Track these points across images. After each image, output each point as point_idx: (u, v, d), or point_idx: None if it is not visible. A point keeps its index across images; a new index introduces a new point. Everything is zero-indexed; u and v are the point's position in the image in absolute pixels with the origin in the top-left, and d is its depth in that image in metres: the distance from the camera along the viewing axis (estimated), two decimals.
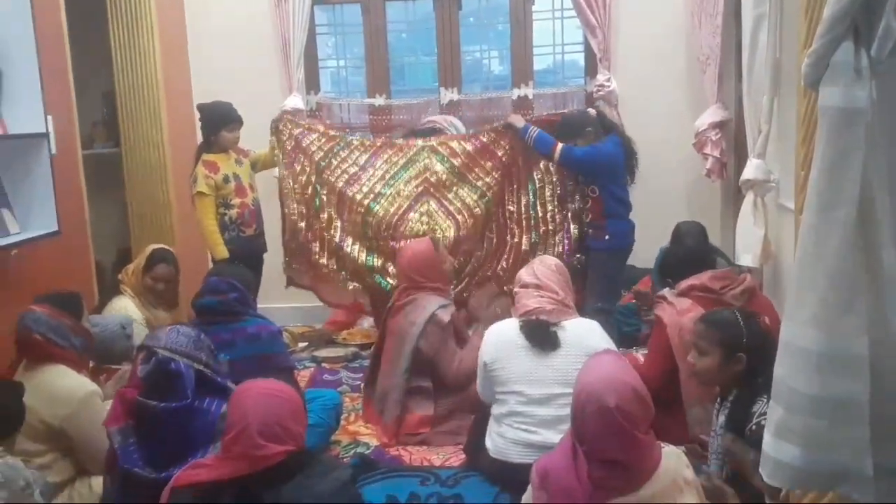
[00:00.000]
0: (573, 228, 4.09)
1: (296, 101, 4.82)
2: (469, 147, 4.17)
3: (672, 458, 1.98)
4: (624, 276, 4.12)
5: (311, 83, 5.15)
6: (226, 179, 4.12)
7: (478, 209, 4.16)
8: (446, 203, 4.19)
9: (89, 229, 3.87)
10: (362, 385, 3.80)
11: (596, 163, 3.86)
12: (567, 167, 3.99)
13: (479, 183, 4.16)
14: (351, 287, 4.29)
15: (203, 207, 4.09)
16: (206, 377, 2.38)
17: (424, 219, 4.17)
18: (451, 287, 3.86)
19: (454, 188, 4.17)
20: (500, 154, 4.13)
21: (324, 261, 4.27)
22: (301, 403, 2.13)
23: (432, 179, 4.18)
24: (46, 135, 3.19)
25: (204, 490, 1.94)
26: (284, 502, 1.90)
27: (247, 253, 4.19)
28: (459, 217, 4.16)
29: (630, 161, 3.93)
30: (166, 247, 3.93)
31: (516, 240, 4.18)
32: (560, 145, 3.85)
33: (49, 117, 3.25)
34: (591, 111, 4.05)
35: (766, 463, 1.34)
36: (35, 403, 2.45)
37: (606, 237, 3.88)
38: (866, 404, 1.24)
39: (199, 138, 4.34)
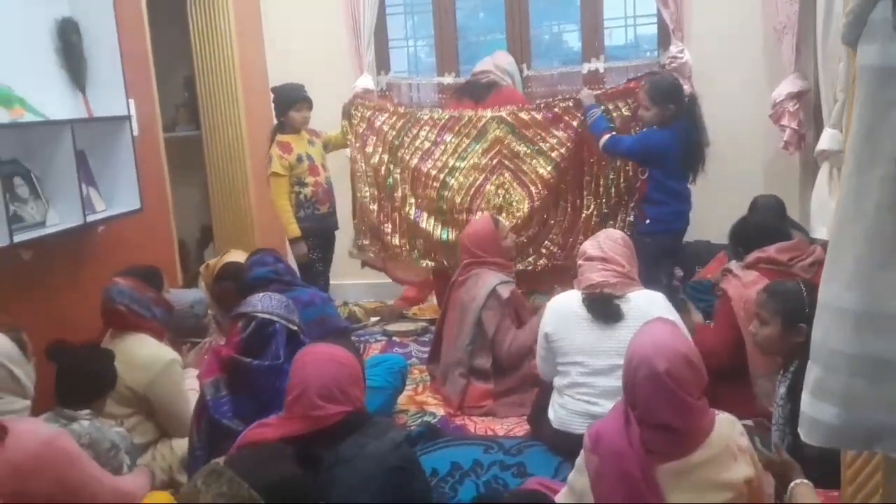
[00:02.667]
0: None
1: (366, 81, 4.93)
2: (540, 117, 4.15)
3: (725, 424, 1.99)
4: (670, 263, 3.99)
5: (382, 63, 5.25)
6: (299, 159, 4.26)
7: (552, 180, 4.14)
8: (521, 174, 4.19)
9: (172, 208, 4.08)
10: (426, 360, 3.90)
11: (643, 151, 3.81)
12: (612, 156, 3.99)
13: (554, 154, 4.13)
14: (423, 264, 4.37)
15: (277, 187, 4.24)
16: (297, 338, 2.54)
17: (500, 191, 4.19)
18: (519, 259, 3.92)
19: (528, 159, 4.16)
20: (574, 124, 4.10)
21: (396, 241, 4.36)
22: (359, 367, 2.23)
23: (505, 151, 4.19)
24: (129, 117, 3.38)
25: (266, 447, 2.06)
26: (341, 459, 2.00)
27: (321, 230, 4.34)
28: (533, 188, 4.16)
29: (691, 156, 3.79)
30: (238, 260, 3.66)
31: (588, 211, 4.18)
32: (608, 136, 3.83)
33: (131, 101, 3.44)
34: (687, 88, 3.82)
35: (804, 422, 1.35)
36: (121, 370, 2.60)
37: (647, 221, 3.84)
38: None
39: (275, 120, 4.50)
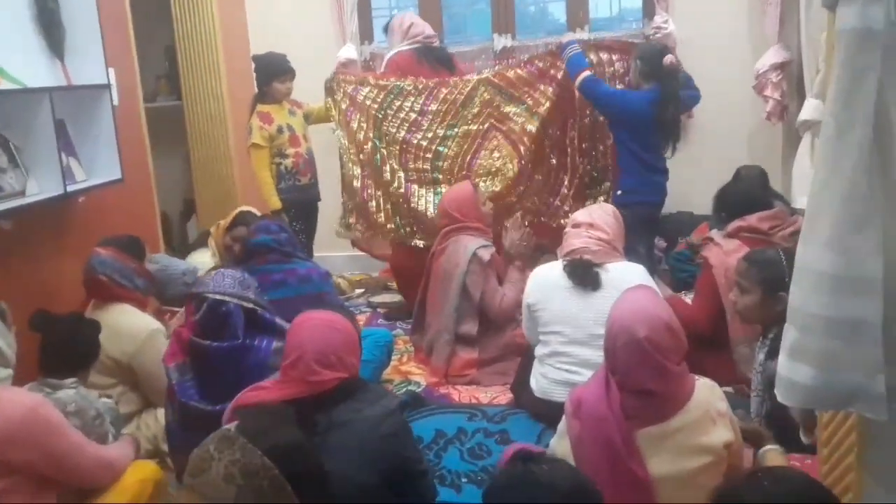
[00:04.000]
0: None
1: (349, 51, 4.89)
2: (524, 73, 4.07)
3: (705, 389, 2.01)
4: (648, 234, 3.91)
5: (365, 33, 5.21)
6: (280, 130, 4.23)
7: (536, 133, 4.04)
8: (511, 135, 4.10)
9: (153, 179, 4.04)
10: (409, 330, 3.91)
11: (616, 107, 3.75)
12: (587, 99, 3.88)
13: (540, 109, 4.04)
14: (413, 243, 4.23)
15: (258, 159, 4.21)
16: (256, 315, 2.51)
17: (496, 154, 4.12)
18: (506, 217, 3.91)
19: (517, 118, 4.08)
20: (559, 76, 4.01)
21: (381, 219, 4.23)
22: (355, 335, 2.24)
23: (495, 114, 4.11)
24: (108, 86, 3.34)
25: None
26: (335, 424, 2.02)
27: (302, 201, 4.33)
28: (522, 147, 4.07)
29: (666, 126, 3.71)
30: (253, 210, 3.94)
31: (575, 171, 4.13)
32: (586, 73, 3.75)
33: (111, 70, 3.40)
34: (669, 58, 3.70)
35: (781, 383, 1.37)
36: (104, 340, 2.59)
37: (619, 192, 3.79)
38: (879, 325, 1.26)
39: (256, 90, 4.46)
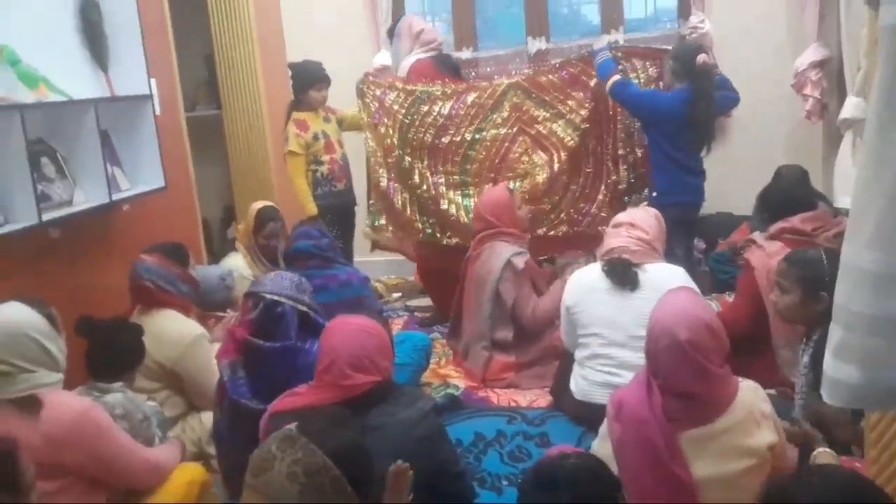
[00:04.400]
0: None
1: (384, 57, 4.93)
2: (556, 79, 4.06)
3: (749, 391, 1.99)
4: (685, 235, 3.86)
5: None
6: (315, 137, 4.26)
7: (571, 142, 4.03)
8: (541, 139, 4.10)
9: (195, 186, 4.11)
10: (446, 335, 3.92)
11: (647, 108, 3.74)
12: (618, 103, 3.89)
13: (573, 116, 4.03)
14: (444, 242, 4.25)
15: (295, 166, 4.25)
16: (309, 318, 2.55)
17: (525, 158, 4.11)
18: (541, 223, 3.94)
19: (548, 123, 4.07)
20: (591, 84, 3.99)
21: (411, 218, 4.25)
22: (387, 338, 2.26)
23: (525, 118, 4.10)
24: (150, 96, 3.41)
25: (298, 415, 2.09)
26: (370, 428, 2.04)
27: (339, 207, 4.37)
28: (555, 152, 4.06)
29: (699, 126, 3.67)
30: (270, 203, 4.03)
31: (613, 178, 4.10)
32: (616, 77, 3.75)
33: (153, 80, 3.47)
34: (702, 57, 3.67)
35: (826, 383, 1.36)
36: (149, 345, 2.64)
37: (654, 194, 3.78)
38: None
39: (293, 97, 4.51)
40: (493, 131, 4.13)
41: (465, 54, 5.14)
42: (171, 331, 2.87)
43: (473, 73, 5.11)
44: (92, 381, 2.38)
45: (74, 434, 2.02)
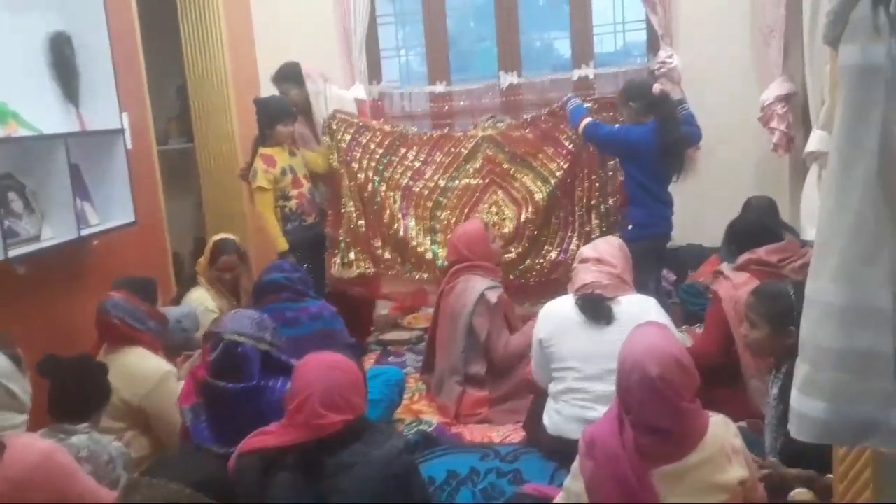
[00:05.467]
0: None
1: (358, 91, 4.93)
2: (530, 135, 4.20)
3: (719, 425, 2.00)
4: (657, 267, 3.92)
5: (374, 73, 5.27)
6: (283, 172, 4.21)
7: (539, 195, 4.18)
8: (512, 191, 4.25)
9: (166, 221, 4.09)
10: (420, 370, 3.90)
11: (621, 143, 3.81)
12: (591, 143, 3.98)
13: (543, 170, 4.19)
14: (417, 277, 4.36)
15: (263, 201, 4.19)
16: (272, 357, 2.51)
17: (494, 209, 4.26)
18: (511, 273, 3.98)
19: (519, 176, 4.23)
20: (562, 139, 4.14)
21: (387, 254, 4.35)
22: (360, 375, 2.25)
23: (497, 170, 4.25)
24: (122, 130, 3.39)
25: (268, 455, 2.07)
26: (343, 467, 2.01)
27: (310, 240, 4.32)
28: (523, 205, 4.21)
29: (671, 153, 3.72)
30: (228, 236, 3.97)
31: (587, 229, 4.18)
32: (587, 120, 3.85)
33: (124, 114, 3.45)
34: (657, 87, 3.83)
35: (794, 419, 1.36)
36: (116, 383, 2.60)
37: (630, 227, 3.82)
38: (892, 357, 1.25)
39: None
40: (466, 181, 4.28)
41: (439, 88, 5.18)
42: (139, 368, 2.83)
43: (447, 107, 5.15)
44: (56, 423, 2.33)
45: (38, 477, 1.96)
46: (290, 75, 4.50)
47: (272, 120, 4.24)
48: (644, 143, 3.71)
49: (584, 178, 4.18)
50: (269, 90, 4.63)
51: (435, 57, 5.21)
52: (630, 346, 2.03)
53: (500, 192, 4.27)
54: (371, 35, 5.17)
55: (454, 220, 4.26)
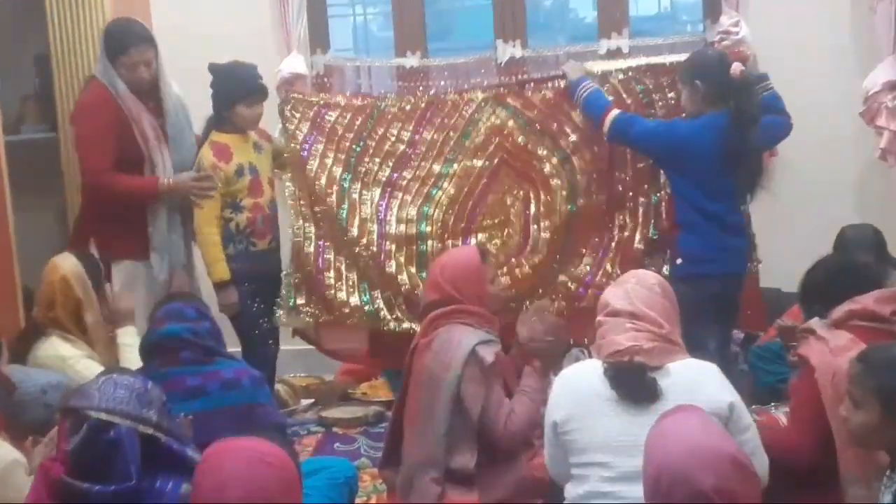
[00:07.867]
0: None
1: (296, 63, 4.94)
2: (551, 95, 4.14)
3: None
4: (722, 320, 3.89)
5: (318, 40, 5.29)
6: (239, 172, 4.18)
7: (556, 180, 4.11)
8: (532, 173, 4.19)
9: (13, 241, 4.05)
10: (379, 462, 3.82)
11: (665, 140, 3.79)
12: (627, 146, 3.98)
13: (562, 141, 4.12)
14: (386, 328, 4.28)
15: (203, 210, 4.16)
16: (158, 444, 2.44)
17: (508, 199, 4.22)
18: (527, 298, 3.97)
19: (538, 152, 4.15)
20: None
21: (342, 296, 4.29)
22: (296, 472, 2.21)
23: (506, 144, 4.19)
24: None
25: None
26: None
27: (260, 272, 4.31)
28: (542, 195, 4.15)
29: (736, 164, 3.71)
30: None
31: (626, 233, 4.16)
32: (615, 112, 3.82)
33: None
34: (738, 66, 3.72)
35: None
36: None
37: (679, 260, 3.83)
38: None
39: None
40: (465, 163, 4.21)
41: (411, 61, 5.21)
42: None
43: (421, 88, 5.14)
44: None
45: None
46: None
47: (232, 96, 4.18)
48: (695, 145, 3.71)
49: (628, 165, 4.13)
50: (170, 63, 4.54)
51: (405, 18, 5.23)
52: (664, 448, 2.02)
53: (512, 176, 4.20)
54: None
55: (452, 220, 4.21)
